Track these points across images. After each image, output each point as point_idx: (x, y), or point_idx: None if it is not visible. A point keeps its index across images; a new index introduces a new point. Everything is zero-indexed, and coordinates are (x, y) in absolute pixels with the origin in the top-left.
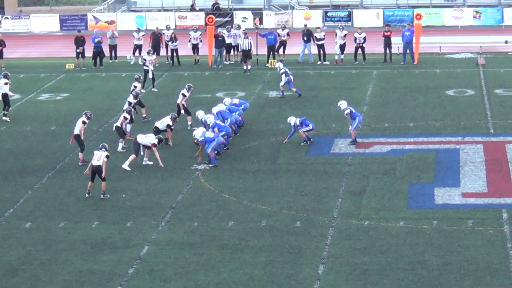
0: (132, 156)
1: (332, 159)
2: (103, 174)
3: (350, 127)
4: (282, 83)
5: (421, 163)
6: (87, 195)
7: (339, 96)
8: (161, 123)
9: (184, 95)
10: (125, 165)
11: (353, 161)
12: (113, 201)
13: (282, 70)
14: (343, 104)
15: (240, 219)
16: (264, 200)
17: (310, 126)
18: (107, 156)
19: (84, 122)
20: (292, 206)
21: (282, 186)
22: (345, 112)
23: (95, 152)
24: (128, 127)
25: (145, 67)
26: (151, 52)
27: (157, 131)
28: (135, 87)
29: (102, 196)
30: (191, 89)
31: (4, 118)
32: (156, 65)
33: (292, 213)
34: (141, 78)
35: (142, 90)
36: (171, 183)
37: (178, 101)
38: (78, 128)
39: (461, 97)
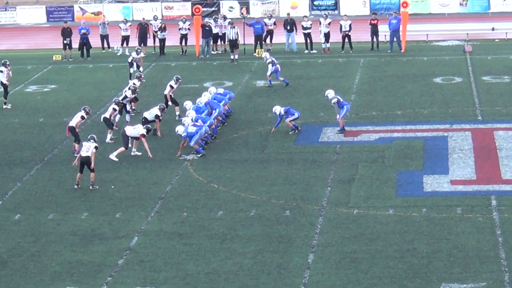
0: (121, 149)
1: (320, 148)
2: (92, 165)
3: (338, 115)
4: (269, 73)
5: (410, 151)
6: (76, 186)
7: (326, 85)
8: (150, 114)
9: (171, 87)
10: (113, 156)
11: (342, 149)
12: (102, 192)
13: (269, 60)
14: (330, 93)
15: (229, 209)
16: (253, 189)
17: (296, 115)
18: (95, 147)
19: (82, 117)
20: (281, 195)
21: (270, 175)
22: (333, 101)
23: (84, 143)
24: (116, 118)
25: (130, 65)
26: (140, 50)
27: (145, 122)
28: (134, 84)
29: (91, 187)
30: (179, 81)
31: (5, 106)
32: (143, 55)
33: (281, 202)
34: (142, 76)
35: (129, 81)
36: (160, 174)
37: (166, 92)
38: (75, 122)
39: (448, 85)
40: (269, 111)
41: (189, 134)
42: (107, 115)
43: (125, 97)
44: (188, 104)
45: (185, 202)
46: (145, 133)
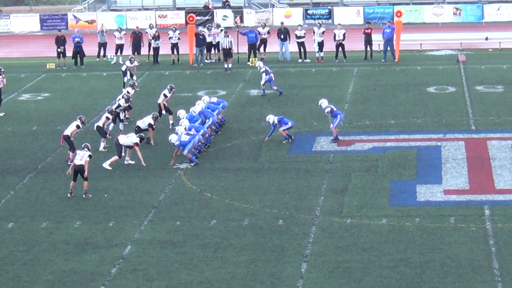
0: (115, 157)
1: (313, 157)
2: (86, 173)
3: (332, 125)
4: (262, 82)
5: (403, 160)
6: (69, 195)
7: (320, 94)
8: (143, 122)
9: (165, 96)
10: (106, 164)
11: (335, 159)
12: (95, 201)
13: (263, 69)
14: (324, 102)
15: (222, 218)
16: (246, 198)
17: (289, 124)
18: (89, 156)
19: (78, 126)
20: (274, 204)
21: (264, 184)
22: (326, 111)
23: (78, 151)
24: (110, 127)
25: (124, 74)
26: (133, 59)
27: (138, 130)
28: (128, 93)
29: (84, 195)
30: (173, 90)
31: None
32: (137, 63)
33: (275, 212)
34: (136, 84)
35: (123, 89)
36: (153, 183)
37: (159, 101)
38: (70, 131)
39: (442, 94)
40: (263, 120)
41: (183, 143)
42: (100, 123)
43: (119, 105)
44: (181, 113)
45: (178, 211)
46: (138, 142)
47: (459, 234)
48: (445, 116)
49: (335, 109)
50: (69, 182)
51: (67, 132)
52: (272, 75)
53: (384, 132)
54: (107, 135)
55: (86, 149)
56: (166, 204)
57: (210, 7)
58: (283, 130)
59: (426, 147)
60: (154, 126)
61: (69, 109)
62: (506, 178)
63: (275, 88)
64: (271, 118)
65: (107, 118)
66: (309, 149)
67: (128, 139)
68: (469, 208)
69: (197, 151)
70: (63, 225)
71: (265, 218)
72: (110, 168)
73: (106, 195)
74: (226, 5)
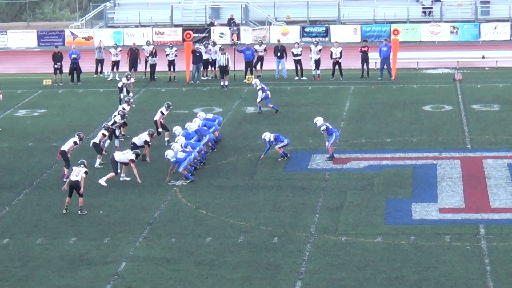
0: (111, 174)
1: (309, 175)
2: (82, 190)
3: (327, 143)
4: (259, 99)
5: (399, 179)
6: (64, 211)
7: (316, 112)
8: (139, 139)
9: (162, 113)
10: (102, 181)
11: (331, 176)
12: (91, 217)
13: (259, 87)
14: (319, 120)
15: (218, 235)
16: (241, 216)
17: (285, 142)
18: (85, 172)
19: (75, 143)
20: (270, 221)
21: (259, 201)
22: (322, 128)
23: (74, 167)
24: (106, 143)
25: (120, 91)
26: (130, 76)
27: (134, 147)
28: (124, 109)
29: (79, 212)
30: (170, 107)
31: None
32: (134, 80)
33: (270, 229)
34: (131, 100)
35: (119, 106)
36: (148, 199)
37: (156, 118)
38: (67, 146)
39: (438, 113)
40: (259, 137)
41: (178, 159)
42: (96, 140)
43: (115, 122)
44: (177, 129)
45: (173, 228)
46: (134, 159)
47: (454, 252)
48: (441, 134)
49: (330, 127)
50: (64, 198)
51: (64, 147)
52: (268, 92)
53: (380, 150)
54: (103, 152)
55: (82, 165)
56: (161, 221)
57: (215, 24)
58: (279, 148)
59: (422, 166)
60: (150, 143)
61: (65, 125)
62: (502, 197)
63: (271, 105)
64: (267, 136)
65: (103, 135)
66: (304, 167)
67: (124, 155)
68: (464, 226)
69: (193, 168)
70: (58, 241)
71: (260, 235)
72: (106, 185)
73: (101, 212)
74: (231, 23)
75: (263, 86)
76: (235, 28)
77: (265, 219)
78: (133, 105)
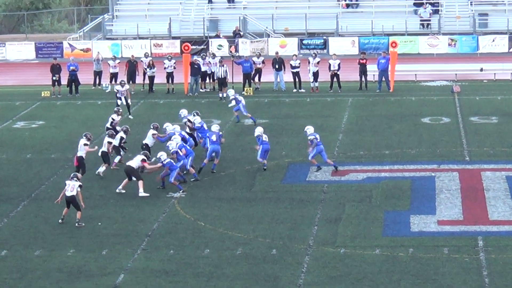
0: (141, 182)
1: (307, 187)
2: (82, 203)
3: (310, 155)
4: (235, 108)
5: (397, 191)
6: (60, 221)
7: (314, 124)
8: (135, 162)
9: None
10: (141, 193)
11: (329, 189)
12: (89, 229)
13: (232, 97)
14: (310, 129)
15: (216, 247)
16: (239, 228)
17: (260, 147)
18: (80, 186)
19: (86, 144)
20: (268, 233)
21: (257, 213)
22: (310, 138)
23: (67, 182)
24: (116, 159)
25: (117, 99)
26: (124, 83)
27: (130, 174)
28: (113, 119)
29: (76, 224)
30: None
31: None
32: (132, 92)
33: (268, 241)
34: (121, 111)
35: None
36: (147, 211)
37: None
38: (82, 152)
39: (436, 125)
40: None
41: (169, 164)
42: (104, 149)
43: (122, 138)
44: (168, 125)
45: (171, 240)
46: (145, 158)
47: (452, 265)
48: (440, 146)
49: (317, 140)
50: (62, 210)
51: (80, 153)
52: (241, 105)
53: (378, 163)
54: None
55: (75, 178)
56: (160, 233)
57: (221, 36)
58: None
59: (420, 178)
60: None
61: (63, 137)
62: (500, 209)
63: (237, 114)
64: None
65: (109, 143)
66: (303, 179)
67: (135, 161)
68: (462, 239)
69: (182, 178)
70: (56, 253)
71: (258, 247)
72: (124, 191)
73: (99, 223)
74: (236, 35)
75: (237, 96)
76: (236, 40)
77: (264, 231)
78: (131, 117)
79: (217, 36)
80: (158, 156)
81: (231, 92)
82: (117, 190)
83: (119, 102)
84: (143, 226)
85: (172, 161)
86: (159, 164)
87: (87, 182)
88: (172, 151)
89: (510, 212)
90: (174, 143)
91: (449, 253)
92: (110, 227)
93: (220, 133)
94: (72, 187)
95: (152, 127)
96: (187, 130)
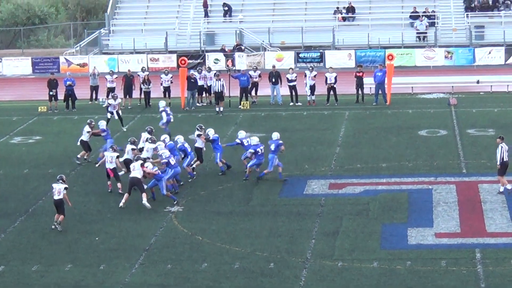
0: (145, 194)
1: (305, 200)
2: (69, 203)
3: (250, 163)
4: (164, 121)
5: (394, 204)
6: (53, 226)
7: (311, 137)
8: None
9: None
10: (145, 203)
11: (326, 202)
12: (86, 244)
13: (161, 108)
14: (241, 133)
15: (214, 261)
16: (237, 242)
17: (218, 153)
18: (65, 188)
19: (88, 132)
20: (266, 247)
21: (255, 227)
22: (237, 140)
23: (54, 185)
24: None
25: (108, 112)
26: (116, 96)
27: (136, 185)
28: (88, 132)
29: (53, 226)
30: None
31: None
32: (129, 107)
33: (266, 255)
34: (93, 123)
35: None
36: (144, 226)
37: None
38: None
39: (433, 137)
40: None
41: (159, 175)
42: (129, 156)
43: (142, 148)
44: (167, 138)
45: (169, 254)
46: (143, 163)
47: (450, 277)
48: (437, 159)
49: (260, 152)
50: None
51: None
52: (171, 117)
53: (375, 175)
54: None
55: (61, 181)
56: (157, 247)
57: (226, 49)
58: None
59: (418, 190)
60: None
61: (60, 152)
62: (497, 221)
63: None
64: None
65: (133, 149)
66: (300, 192)
67: (138, 171)
68: (460, 251)
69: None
70: (54, 268)
71: (256, 261)
72: (149, 206)
73: (97, 238)
74: (237, 48)
75: (167, 109)
76: (233, 54)
77: (261, 245)
78: (124, 129)
79: (223, 50)
80: (160, 154)
81: (161, 104)
82: (121, 204)
83: (109, 115)
84: (140, 241)
85: (159, 171)
86: (156, 169)
87: (84, 197)
88: (162, 161)
89: (507, 224)
90: (167, 152)
91: (447, 266)
92: (107, 242)
93: (280, 141)
94: (58, 191)
95: (129, 142)
96: (197, 144)
